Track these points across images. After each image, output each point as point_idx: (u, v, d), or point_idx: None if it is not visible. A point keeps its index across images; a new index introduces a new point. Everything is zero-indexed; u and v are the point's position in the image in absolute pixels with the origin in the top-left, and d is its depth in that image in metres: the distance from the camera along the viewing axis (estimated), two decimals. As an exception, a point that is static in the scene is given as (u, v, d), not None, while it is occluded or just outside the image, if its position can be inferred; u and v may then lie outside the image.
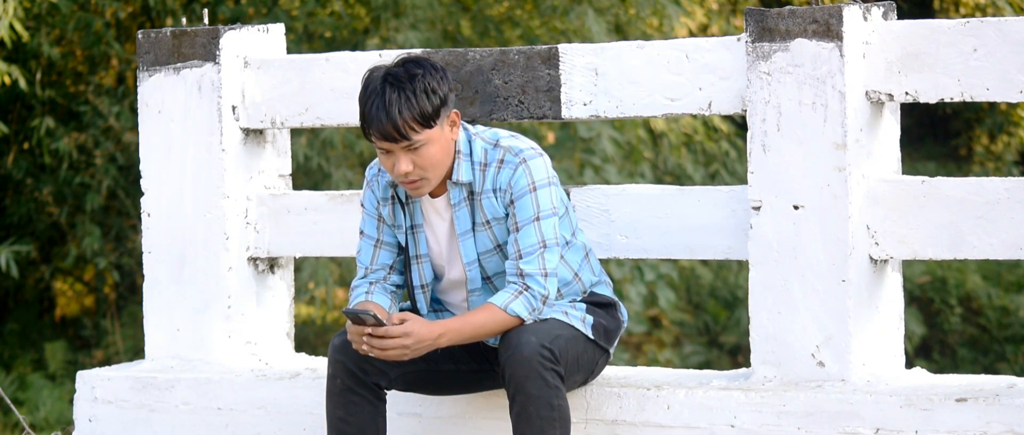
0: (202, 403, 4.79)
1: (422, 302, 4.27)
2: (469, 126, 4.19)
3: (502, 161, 4.13)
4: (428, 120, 4.01)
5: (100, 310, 11.91)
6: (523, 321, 4.09)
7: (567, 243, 4.23)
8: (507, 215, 4.15)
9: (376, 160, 4.25)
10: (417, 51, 4.51)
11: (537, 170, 4.13)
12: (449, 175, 4.14)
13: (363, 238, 4.29)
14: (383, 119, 3.99)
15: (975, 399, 4.05)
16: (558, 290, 4.22)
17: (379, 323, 3.99)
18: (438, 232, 4.21)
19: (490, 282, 4.22)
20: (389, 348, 4.00)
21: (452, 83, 4.09)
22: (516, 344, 4.01)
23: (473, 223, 4.17)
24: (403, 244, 4.25)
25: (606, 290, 4.34)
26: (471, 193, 4.15)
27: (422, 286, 4.25)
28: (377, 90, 4.01)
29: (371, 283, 4.26)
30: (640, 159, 11.45)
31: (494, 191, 4.14)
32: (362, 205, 4.29)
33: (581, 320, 4.19)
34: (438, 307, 4.33)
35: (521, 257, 4.11)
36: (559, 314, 4.17)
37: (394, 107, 3.98)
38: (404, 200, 4.22)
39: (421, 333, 4.02)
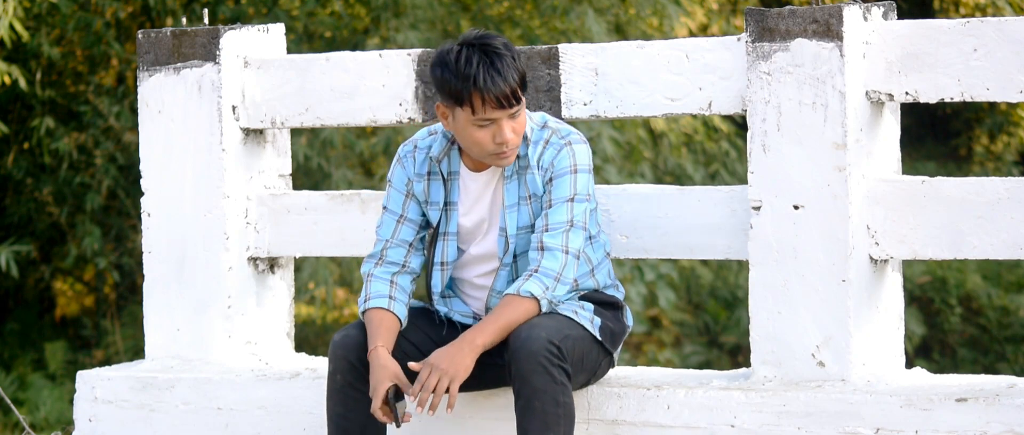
0: (202, 403, 4.79)
1: (438, 281, 4.28)
2: None
3: (548, 142, 4.19)
4: (526, 83, 4.13)
5: (100, 310, 11.91)
6: (538, 300, 4.10)
7: (591, 238, 4.26)
8: (545, 193, 4.18)
9: (413, 137, 4.29)
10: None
11: (581, 154, 4.19)
12: None
13: (386, 213, 4.30)
14: (501, 84, 4.04)
15: (975, 399, 4.05)
16: (574, 280, 4.23)
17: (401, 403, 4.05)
18: (478, 205, 4.24)
19: (516, 261, 4.24)
20: (440, 390, 4.02)
21: None
22: (525, 339, 4.02)
23: (519, 197, 4.21)
24: (433, 221, 4.27)
25: (616, 294, 4.36)
26: (519, 167, 4.19)
27: (443, 263, 4.28)
28: (482, 60, 4.05)
29: (392, 277, 4.25)
30: (640, 159, 11.45)
31: (538, 169, 4.18)
32: (389, 181, 4.31)
33: (590, 321, 4.20)
34: (449, 292, 4.33)
35: (547, 230, 4.15)
36: (568, 313, 4.18)
37: (507, 72, 4.05)
38: (445, 176, 4.23)
39: (446, 356, 4.03)
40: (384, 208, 4.32)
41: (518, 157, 4.19)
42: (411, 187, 4.28)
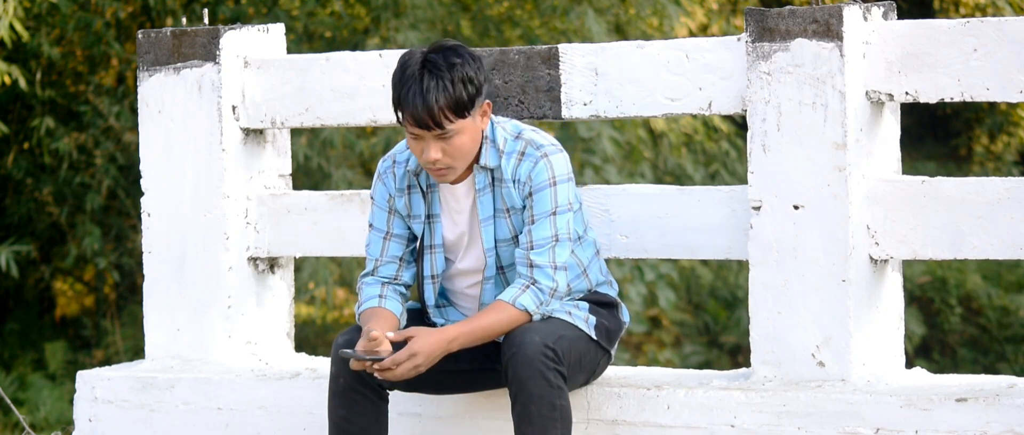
0: (202, 403, 4.79)
1: (430, 293, 4.28)
2: (491, 114, 4.20)
3: (523, 153, 4.15)
4: (462, 110, 4.02)
5: (100, 310, 11.91)
6: (531, 315, 4.10)
7: (579, 238, 4.25)
8: (524, 207, 4.16)
9: (392, 152, 4.27)
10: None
11: (558, 166, 4.14)
12: (476, 159, 4.15)
13: (372, 231, 4.29)
14: (419, 105, 3.99)
15: (975, 399, 4.05)
16: (567, 284, 4.23)
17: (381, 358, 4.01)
18: (458, 218, 4.22)
19: (503, 272, 4.22)
20: (401, 374, 4.01)
21: (487, 74, 4.10)
22: (520, 343, 4.01)
23: (494, 209, 4.18)
24: (418, 234, 4.26)
25: (610, 291, 4.35)
26: (494, 179, 4.17)
27: (432, 276, 4.26)
28: (415, 75, 4.00)
29: (383, 283, 4.26)
30: (640, 159, 11.45)
31: (513, 181, 4.16)
32: (371, 198, 4.29)
33: (584, 320, 4.20)
34: (443, 302, 4.33)
35: (532, 248, 4.13)
36: (562, 314, 4.18)
37: (431, 94, 3.98)
38: (425, 189, 4.22)
39: (429, 346, 4.02)
40: (370, 226, 4.31)
41: (490, 169, 4.16)
42: (393, 203, 4.26)
